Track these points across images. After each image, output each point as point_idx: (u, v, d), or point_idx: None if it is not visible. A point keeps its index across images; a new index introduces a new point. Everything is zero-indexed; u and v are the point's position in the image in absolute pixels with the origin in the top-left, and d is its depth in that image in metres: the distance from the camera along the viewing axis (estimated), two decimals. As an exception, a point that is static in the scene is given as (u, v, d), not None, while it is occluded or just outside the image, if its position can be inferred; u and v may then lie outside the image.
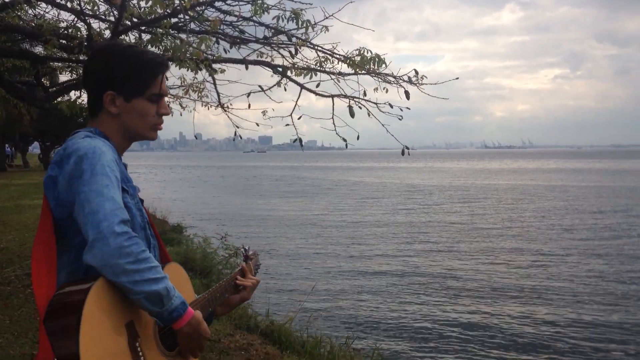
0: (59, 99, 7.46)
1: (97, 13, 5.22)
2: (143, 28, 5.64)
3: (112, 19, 5.24)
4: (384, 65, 5.15)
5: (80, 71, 7.94)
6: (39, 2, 5.38)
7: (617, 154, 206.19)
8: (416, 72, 5.39)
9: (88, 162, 1.69)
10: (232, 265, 10.72)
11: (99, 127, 1.91)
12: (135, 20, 4.79)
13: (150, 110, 1.92)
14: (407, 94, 5.14)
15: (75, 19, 5.30)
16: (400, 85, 5.52)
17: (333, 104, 5.96)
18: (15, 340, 4.72)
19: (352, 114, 5.17)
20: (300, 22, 4.29)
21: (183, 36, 5.50)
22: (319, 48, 5.00)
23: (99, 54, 1.98)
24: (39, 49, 7.34)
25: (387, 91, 5.53)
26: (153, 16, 4.56)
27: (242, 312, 7.27)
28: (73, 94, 7.87)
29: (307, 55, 5.72)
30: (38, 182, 25.05)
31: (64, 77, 9.86)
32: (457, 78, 5.84)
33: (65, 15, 5.88)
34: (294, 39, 4.84)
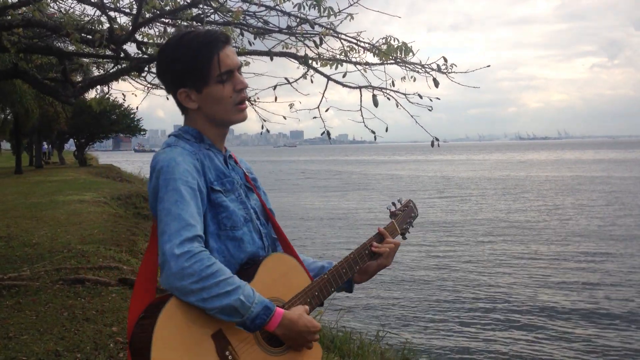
0: (87, 95, 7.47)
1: (119, 6, 5.17)
2: (166, 21, 5.57)
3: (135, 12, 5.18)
4: (411, 54, 4.98)
5: (107, 66, 7.96)
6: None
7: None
8: (445, 60, 5.19)
9: (163, 177, 1.72)
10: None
11: (191, 124, 1.91)
12: (156, 11, 4.71)
13: (224, 91, 1.84)
14: (435, 81, 4.96)
15: (99, 13, 5.26)
16: (429, 74, 5.33)
17: (361, 95, 5.81)
18: (40, 337, 4.71)
19: (375, 104, 5.01)
20: (322, 9, 4.15)
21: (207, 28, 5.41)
22: (343, 36, 4.85)
23: (159, 54, 1.94)
24: (66, 45, 7.37)
25: (414, 80, 5.35)
26: (170, 6, 4.47)
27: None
28: (100, 89, 7.86)
29: (333, 46, 5.58)
30: (73, 179, 25.49)
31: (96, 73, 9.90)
32: (489, 66, 5.60)
33: (90, 10, 5.86)
34: (317, 27, 4.69)
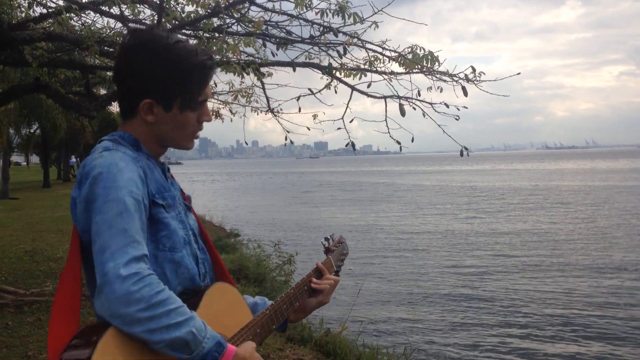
0: (114, 107, 7.45)
1: (140, 18, 5.11)
2: (187, 32, 5.51)
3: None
4: (437, 63, 4.83)
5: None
6: (84, 11, 5.32)
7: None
8: (473, 69, 5.03)
9: (102, 184, 1.47)
10: (285, 272, 10.55)
11: (131, 132, 1.67)
12: (176, 22, 4.63)
13: (192, 119, 1.68)
14: (464, 89, 4.80)
15: (120, 25, 5.21)
16: (457, 83, 5.18)
17: (386, 105, 5.69)
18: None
19: (402, 113, 4.86)
20: (346, 16, 4.01)
21: (230, 41, 5.34)
22: (369, 44, 4.71)
23: (138, 48, 1.63)
24: (90, 59, 7.38)
25: (441, 90, 5.20)
26: (192, 16, 4.39)
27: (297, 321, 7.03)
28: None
29: (357, 55, 5.46)
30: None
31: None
32: (519, 73, 5.43)
33: (112, 22, 5.83)
34: (340, 36, 4.57)
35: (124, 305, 1.35)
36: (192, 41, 5.64)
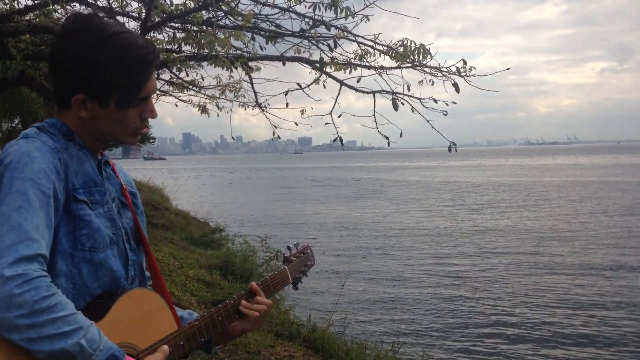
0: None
1: (127, 11, 5.03)
2: (176, 25, 5.43)
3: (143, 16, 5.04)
4: (429, 57, 4.81)
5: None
6: (70, 3, 5.23)
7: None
8: (464, 63, 5.02)
9: (9, 174, 1.37)
10: (272, 268, 10.51)
11: (64, 120, 1.56)
12: (164, 15, 4.56)
13: (132, 116, 1.55)
14: (455, 85, 4.78)
15: (107, 17, 5.12)
16: (448, 78, 5.17)
17: (374, 100, 5.66)
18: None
19: (395, 107, 4.84)
20: (338, 10, 3.97)
21: (220, 35, 5.28)
22: (361, 39, 4.68)
23: (73, 36, 1.50)
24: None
25: (433, 84, 5.18)
26: (181, 9, 4.33)
27: (284, 317, 7.03)
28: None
29: (347, 49, 5.43)
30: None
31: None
32: (509, 69, 5.45)
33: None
34: (332, 30, 4.53)
35: (3, 310, 1.22)
36: (180, 34, 5.58)
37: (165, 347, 1.52)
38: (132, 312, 1.51)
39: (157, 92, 7.27)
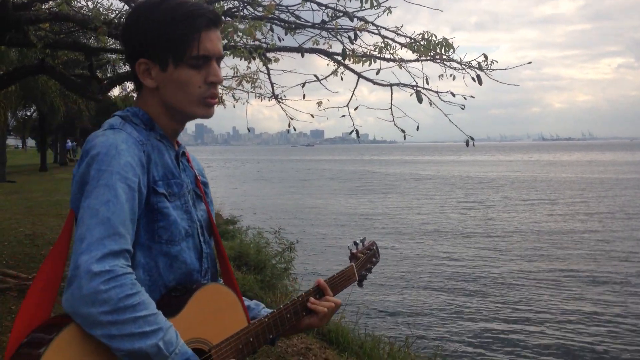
0: (113, 92, 7.36)
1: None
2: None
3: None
4: (452, 50, 4.76)
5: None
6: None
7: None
8: (485, 57, 4.97)
9: (96, 166, 1.36)
10: (286, 259, 10.50)
11: (143, 106, 1.56)
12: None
13: (193, 78, 1.51)
14: (478, 77, 4.73)
15: (127, 7, 5.12)
16: (467, 72, 5.12)
17: (392, 93, 5.64)
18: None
19: (420, 99, 4.80)
20: (363, 0, 3.93)
21: (240, 25, 5.26)
22: (384, 30, 4.63)
23: (132, 12, 1.59)
24: (92, 41, 7.27)
25: (454, 78, 5.14)
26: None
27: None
28: (126, 87, 7.76)
29: (366, 41, 5.40)
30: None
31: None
32: (530, 62, 5.39)
33: (118, 4, 5.73)
34: (355, 21, 4.48)
35: (87, 305, 1.23)
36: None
37: None
38: (207, 307, 1.53)
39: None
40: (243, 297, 1.72)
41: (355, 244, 2.12)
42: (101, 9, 5.23)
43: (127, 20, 1.59)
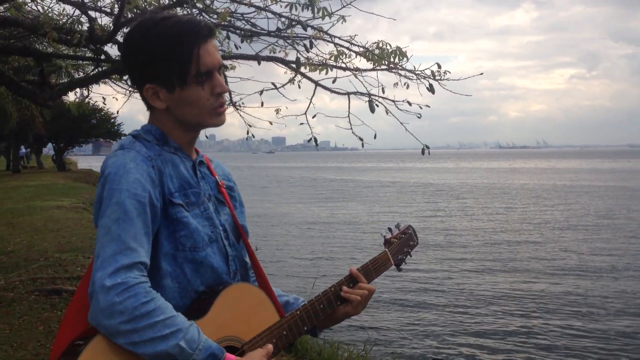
0: (66, 98, 7.20)
1: (100, 6, 4.95)
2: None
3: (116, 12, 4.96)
4: (405, 59, 4.83)
5: (87, 69, 7.70)
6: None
7: (634, 154, 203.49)
8: (439, 66, 5.06)
9: (108, 185, 1.46)
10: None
11: (155, 123, 1.63)
12: (137, 11, 4.50)
13: (201, 94, 1.55)
14: (431, 86, 4.81)
15: (79, 13, 5.03)
16: (422, 81, 5.21)
17: (349, 102, 5.69)
18: (13, 353, 4.46)
19: (372, 109, 4.86)
20: (315, 10, 3.96)
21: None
22: (337, 39, 4.67)
23: (126, 40, 1.63)
24: (44, 47, 7.10)
25: (407, 87, 5.22)
26: (155, 5, 4.27)
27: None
28: (80, 93, 7.61)
29: (322, 50, 5.43)
30: (51, 184, 25.05)
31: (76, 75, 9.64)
32: (482, 73, 5.51)
33: (70, 10, 5.64)
34: (309, 30, 4.51)
35: (106, 317, 1.33)
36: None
37: (270, 346, 1.59)
38: (234, 305, 1.58)
39: (129, 89, 7.16)
40: (282, 292, 1.82)
41: (390, 230, 2.14)
42: (52, 15, 5.11)
43: (124, 48, 1.63)
